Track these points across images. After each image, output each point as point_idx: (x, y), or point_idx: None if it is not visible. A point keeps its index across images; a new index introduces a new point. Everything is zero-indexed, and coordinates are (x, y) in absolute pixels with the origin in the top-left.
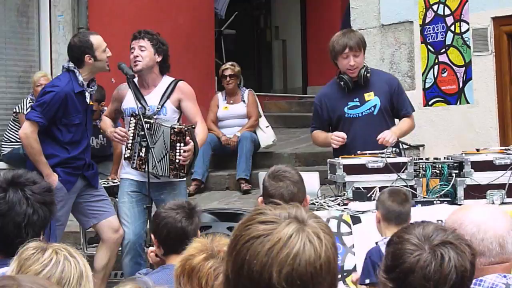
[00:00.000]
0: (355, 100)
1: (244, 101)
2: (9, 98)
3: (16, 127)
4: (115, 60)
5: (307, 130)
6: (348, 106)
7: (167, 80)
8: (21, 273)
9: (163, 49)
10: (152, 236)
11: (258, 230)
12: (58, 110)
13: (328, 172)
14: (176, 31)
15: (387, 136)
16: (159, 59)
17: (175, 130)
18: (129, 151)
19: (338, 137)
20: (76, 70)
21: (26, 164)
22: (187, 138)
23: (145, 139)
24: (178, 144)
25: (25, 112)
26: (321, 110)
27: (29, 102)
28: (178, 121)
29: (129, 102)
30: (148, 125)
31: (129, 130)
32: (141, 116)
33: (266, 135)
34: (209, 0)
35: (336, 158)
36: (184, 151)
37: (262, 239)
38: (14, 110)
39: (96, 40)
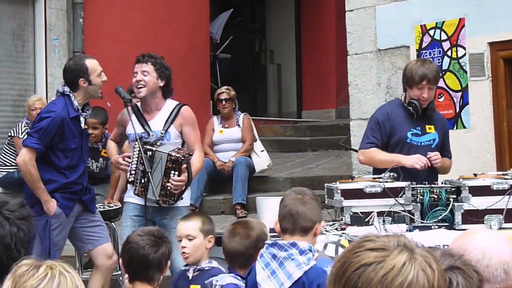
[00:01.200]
0: (417, 128)
1: (239, 125)
2: (4, 121)
3: (11, 151)
4: (110, 84)
5: (302, 154)
6: (411, 132)
7: (171, 104)
8: None
9: (166, 74)
10: (120, 261)
11: (369, 257)
12: (55, 136)
13: (326, 196)
14: (171, 55)
15: (438, 156)
16: (162, 83)
17: (172, 157)
18: (132, 176)
19: (425, 161)
20: (71, 95)
21: (23, 189)
22: (183, 166)
23: (146, 167)
24: (172, 172)
25: (20, 136)
26: (384, 128)
27: (24, 126)
28: (182, 146)
29: (132, 128)
30: (150, 152)
31: (133, 154)
32: (144, 143)
33: (261, 159)
34: (205, 24)
35: (334, 183)
36: (175, 182)
37: (374, 266)
38: (9, 134)
39: (91, 64)
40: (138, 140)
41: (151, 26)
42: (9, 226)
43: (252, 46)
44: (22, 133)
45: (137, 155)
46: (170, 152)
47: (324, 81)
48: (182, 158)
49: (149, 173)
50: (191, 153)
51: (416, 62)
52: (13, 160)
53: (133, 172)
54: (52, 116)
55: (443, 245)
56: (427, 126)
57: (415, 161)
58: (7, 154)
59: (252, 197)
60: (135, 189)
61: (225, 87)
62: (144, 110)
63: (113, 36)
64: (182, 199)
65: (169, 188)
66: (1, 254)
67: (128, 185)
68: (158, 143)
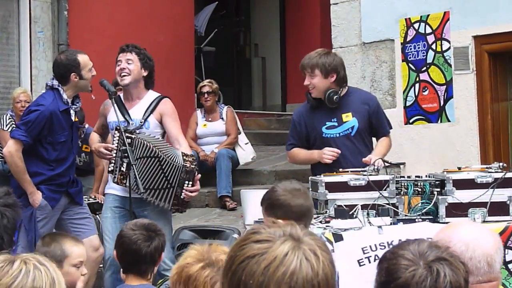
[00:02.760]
0: (333, 120)
1: (222, 118)
2: None
3: None
4: (95, 77)
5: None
6: (326, 126)
7: (152, 95)
8: None
9: (149, 64)
10: (114, 253)
11: (253, 250)
12: (43, 129)
13: (310, 189)
14: (156, 48)
15: (376, 161)
16: (145, 73)
17: (187, 169)
18: (112, 165)
19: (332, 152)
20: (60, 88)
21: (10, 181)
22: (197, 177)
23: (126, 154)
24: (186, 182)
25: (4, 128)
26: (300, 127)
27: (9, 118)
28: (163, 137)
29: (113, 116)
30: (130, 140)
31: (113, 144)
32: (123, 131)
33: (245, 152)
34: (189, 17)
35: (318, 176)
36: (191, 192)
37: (257, 258)
38: None
39: (83, 59)
40: (118, 129)
41: (135, 19)
42: None
43: (237, 39)
44: (6, 126)
45: (116, 143)
46: (185, 164)
47: None
48: (196, 168)
49: (132, 165)
50: (194, 157)
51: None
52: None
53: (113, 160)
54: (41, 109)
55: (427, 238)
56: (343, 115)
57: (321, 156)
58: None
59: (236, 190)
60: (114, 177)
61: (208, 80)
62: (125, 99)
63: (97, 29)
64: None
65: (183, 197)
66: None
67: (109, 176)
68: (137, 132)
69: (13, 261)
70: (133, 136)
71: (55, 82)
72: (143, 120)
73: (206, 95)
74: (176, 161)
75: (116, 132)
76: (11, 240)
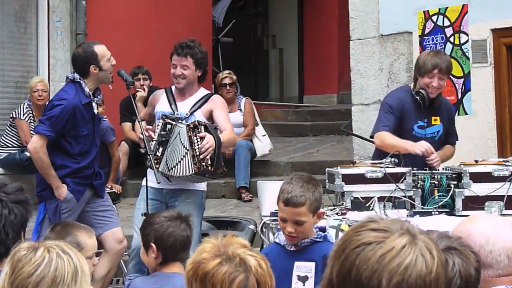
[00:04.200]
0: (424, 120)
1: (240, 109)
2: (6, 103)
3: (13, 132)
4: (113, 67)
5: (303, 139)
6: (418, 125)
7: (202, 92)
8: (15, 275)
9: (204, 63)
10: (154, 245)
11: (369, 237)
12: (67, 123)
13: (327, 181)
14: (173, 38)
15: (437, 159)
16: (199, 73)
17: (190, 126)
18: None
19: (427, 147)
20: (81, 81)
21: (36, 176)
22: (202, 129)
23: (163, 139)
24: (195, 139)
25: (22, 118)
26: (397, 112)
27: (26, 108)
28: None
29: (161, 106)
30: (170, 126)
31: (156, 131)
32: (167, 117)
33: (263, 144)
34: (207, 8)
35: (335, 168)
36: (203, 144)
37: (374, 246)
38: (11, 115)
39: (100, 49)
40: (163, 118)
41: (153, 9)
42: (1, 208)
43: (254, 30)
44: (24, 115)
45: (159, 131)
46: (188, 123)
47: (326, 66)
48: (201, 123)
49: (166, 148)
50: (215, 126)
51: (429, 52)
52: (15, 142)
53: (152, 145)
54: (64, 103)
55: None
56: (433, 118)
57: (415, 147)
58: (9, 135)
59: (253, 181)
60: (149, 161)
61: (227, 71)
62: (176, 93)
63: (115, 18)
64: (223, 168)
65: (197, 154)
66: None
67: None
68: (180, 121)
69: (36, 249)
70: (173, 123)
71: (76, 76)
72: (188, 113)
73: (227, 87)
74: (181, 125)
75: (161, 120)
76: (17, 237)
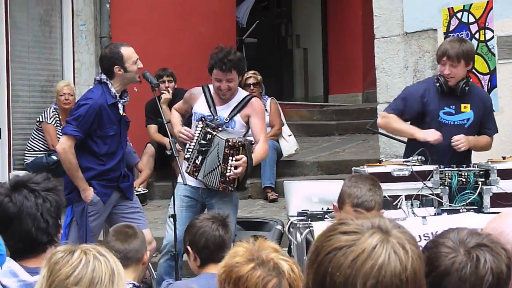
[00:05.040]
0: (451, 107)
1: (266, 110)
2: (32, 107)
3: (39, 136)
4: (140, 70)
5: (329, 139)
6: (444, 111)
7: (241, 94)
8: (52, 277)
9: (244, 67)
10: (189, 248)
11: (340, 241)
12: (93, 123)
13: None
14: (197, 40)
15: (461, 141)
16: (240, 78)
17: (229, 143)
18: (189, 153)
19: (438, 137)
20: (108, 82)
21: (63, 179)
22: (239, 153)
23: (204, 149)
24: (230, 158)
25: (48, 121)
26: (416, 101)
27: (52, 111)
28: (244, 136)
29: (200, 108)
30: (210, 135)
31: (195, 133)
32: (206, 125)
33: (289, 144)
34: (231, 8)
35: (361, 167)
36: (235, 167)
37: (345, 250)
38: (38, 119)
39: (126, 51)
40: (202, 121)
41: (177, 11)
42: (34, 197)
43: (278, 30)
44: (50, 119)
45: (198, 135)
46: (228, 138)
47: (350, 65)
48: (239, 143)
49: (205, 157)
50: (252, 142)
51: (450, 39)
52: (42, 145)
53: (191, 150)
54: (90, 103)
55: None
56: (462, 105)
57: (428, 134)
58: (35, 139)
59: (279, 181)
60: (187, 167)
61: (252, 71)
62: (215, 95)
63: (139, 21)
64: (246, 189)
65: (228, 175)
66: (29, 225)
67: (184, 163)
68: (219, 129)
69: (73, 251)
70: (214, 133)
71: (103, 76)
72: (228, 119)
73: (252, 87)
74: (222, 137)
75: (200, 123)
76: (57, 223)
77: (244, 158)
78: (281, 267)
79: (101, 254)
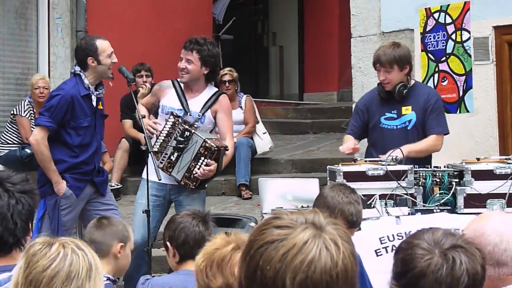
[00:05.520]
0: (392, 112)
1: (241, 107)
2: (7, 100)
3: (13, 129)
4: (114, 64)
5: (303, 137)
6: (385, 117)
7: (211, 90)
8: (29, 269)
9: (211, 62)
10: (168, 244)
11: (272, 235)
12: (66, 113)
13: (328, 178)
14: (174, 36)
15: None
16: (206, 71)
17: (206, 145)
18: (159, 147)
19: (348, 149)
20: (82, 74)
21: (38, 170)
22: (213, 157)
23: (181, 146)
24: (202, 158)
25: (22, 114)
26: (362, 114)
27: (27, 104)
28: (211, 132)
29: (170, 101)
30: (188, 133)
31: (164, 127)
32: (183, 121)
33: (263, 142)
34: (207, 5)
35: (336, 165)
36: (204, 170)
37: (276, 244)
38: (12, 112)
39: (101, 44)
40: (177, 116)
41: (154, 7)
42: (7, 198)
43: (255, 27)
44: (24, 112)
45: (168, 129)
46: (206, 139)
47: (326, 63)
48: (216, 148)
49: (182, 154)
50: (227, 148)
51: (384, 44)
52: (16, 138)
53: (160, 142)
54: (62, 93)
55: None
56: (403, 108)
57: (343, 146)
58: (9, 132)
59: (254, 179)
60: (161, 163)
61: (228, 68)
62: (185, 88)
63: (116, 16)
64: (204, 188)
65: (195, 173)
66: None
67: (148, 160)
68: (195, 125)
69: (51, 244)
70: (192, 130)
71: (77, 68)
72: (200, 114)
73: (227, 84)
74: (202, 135)
75: (172, 117)
76: (27, 227)
77: (214, 166)
78: None
79: (79, 248)
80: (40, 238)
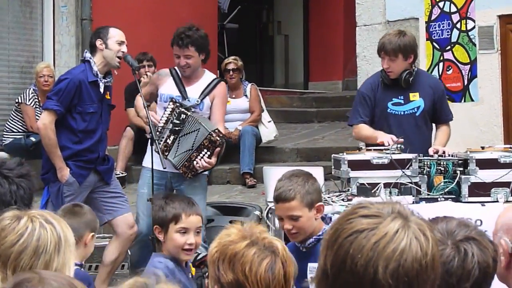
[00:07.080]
0: (399, 97)
1: (246, 95)
2: (12, 88)
3: (18, 117)
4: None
5: (308, 125)
6: (392, 102)
7: (209, 76)
8: None
9: (204, 45)
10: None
11: (362, 224)
12: (74, 97)
13: (333, 167)
14: (179, 25)
15: (441, 151)
16: (203, 57)
17: (212, 138)
18: (158, 133)
19: (392, 140)
20: (91, 60)
21: (42, 156)
22: (216, 150)
23: (177, 128)
24: (205, 150)
25: (27, 103)
26: (370, 100)
27: (32, 93)
28: (208, 118)
29: (169, 89)
30: (184, 115)
31: (164, 114)
32: (180, 105)
33: (268, 130)
34: None
35: (341, 154)
36: (205, 161)
37: (367, 233)
38: (16, 100)
39: (114, 30)
40: (173, 102)
41: None
42: (8, 184)
43: (260, 16)
44: (29, 100)
45: (168, 115)
46: (212, 132)
47: (331, 52)
48: (220, 142)
49: (178, 137)
50: (223, 138)
51: (390, 32)
52: (20, 127)
53: (160, 130)
54: (70, 77)
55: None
56: (411, 94)
57: (385, 139)
58: (14, 120)
59: (258, 167)
60: (156, 147)
61: (233, 57)
62: (183, 76)
63: (121, 4)
64: (205, 175)
65: (196, 164)
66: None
67: (149, 147)
68: (192, 109)
69: (20, 218)
70: (188, 113)
71: (87, 55)
72: (199, 100)
73: (231, 72)
74: (207, 127)
75: (171, 103)
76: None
77: (214, 160)
78: (274, 246)
79: (48, 222)
80: (9, 212)
